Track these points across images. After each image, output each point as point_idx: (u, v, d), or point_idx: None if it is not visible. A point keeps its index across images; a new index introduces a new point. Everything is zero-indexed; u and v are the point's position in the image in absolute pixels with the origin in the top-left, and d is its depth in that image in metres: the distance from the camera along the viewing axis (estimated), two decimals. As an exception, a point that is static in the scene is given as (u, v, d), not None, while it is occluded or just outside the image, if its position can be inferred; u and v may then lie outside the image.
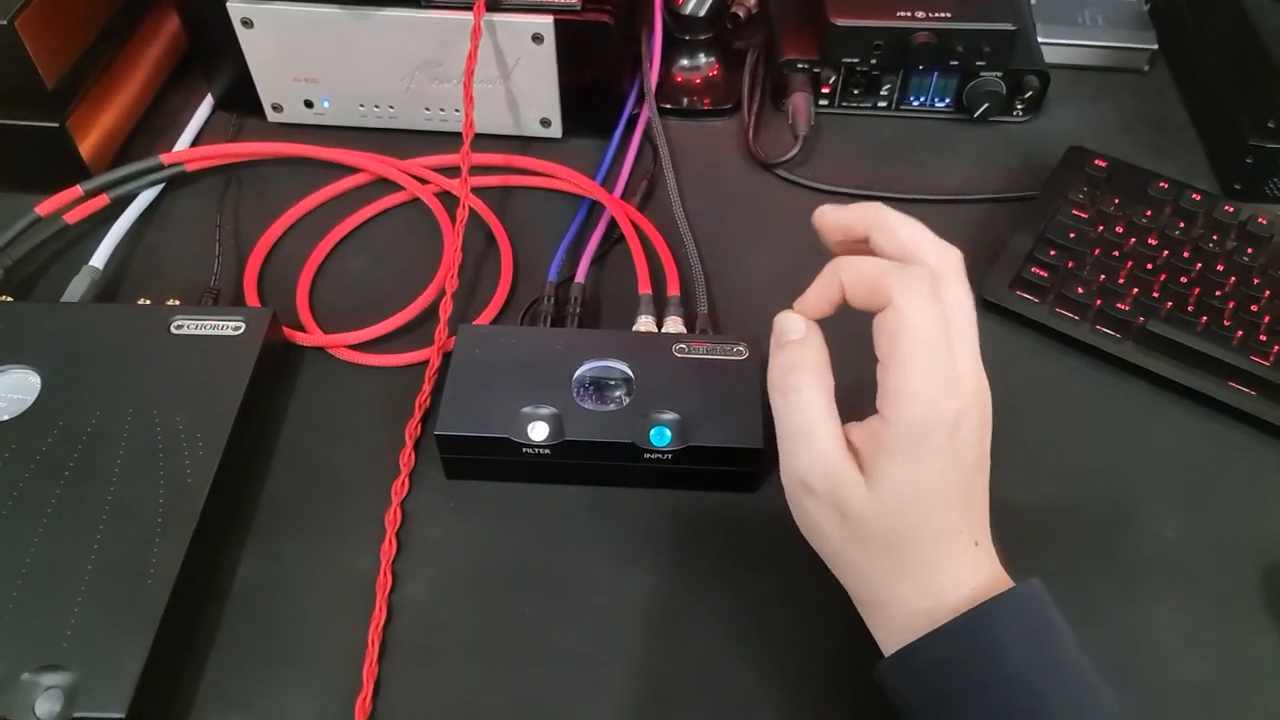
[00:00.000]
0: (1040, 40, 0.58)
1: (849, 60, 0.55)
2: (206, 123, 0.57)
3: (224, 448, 0.39)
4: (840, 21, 0.54)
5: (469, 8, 0.49)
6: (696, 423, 0.39)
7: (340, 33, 0.51)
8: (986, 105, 0.55)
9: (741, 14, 0.58)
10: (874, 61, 0.55)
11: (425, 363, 0.44)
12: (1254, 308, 0.45)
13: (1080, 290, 0.46)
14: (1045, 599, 0.29)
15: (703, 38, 0.58)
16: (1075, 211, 0.49)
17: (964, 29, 0.53)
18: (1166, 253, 0.47)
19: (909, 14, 0.53)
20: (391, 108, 0.55)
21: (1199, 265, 0.47)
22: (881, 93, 0.57)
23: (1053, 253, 0.47)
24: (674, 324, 0.46)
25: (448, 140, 0.54)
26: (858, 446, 0.30)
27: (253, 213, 0.52)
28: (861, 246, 0.32)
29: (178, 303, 0.45)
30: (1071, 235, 0.48)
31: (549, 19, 0.50)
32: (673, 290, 0.47)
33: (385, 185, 0.53)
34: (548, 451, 0.39)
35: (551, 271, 0.48)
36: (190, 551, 0.36)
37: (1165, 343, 0.44)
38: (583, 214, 0.52)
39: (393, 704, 0.36)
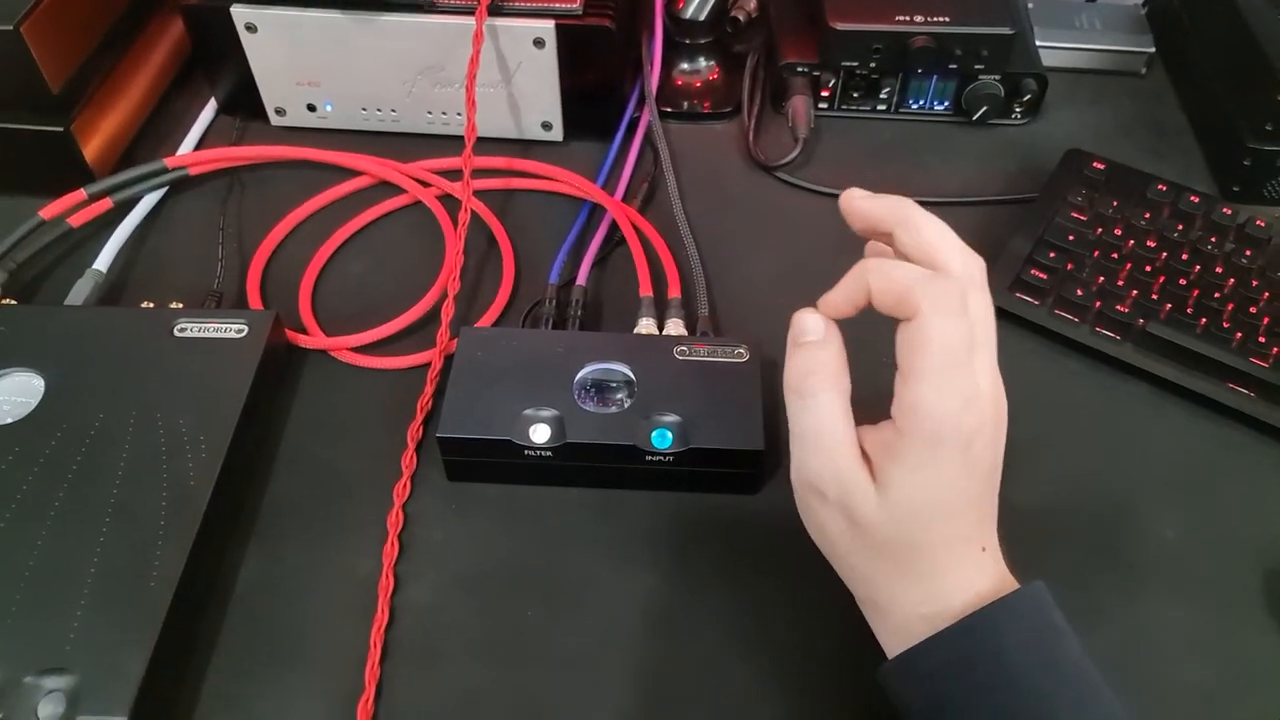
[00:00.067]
0: (1038, 44, 0.58)
1: (848, 64, 0.55)
2: (210, 126, 0.57)
3: (227, 450, 0.39)
4: (839, 25, 0.54)
5: (471, 12, 0.49)
6: (698, 425, 0.39)
7: (343, 37, 0.51)
8: (985, 108, 0.56)
9: (741, 18, 0.58)
10: (873, 65, 0.55)
11: (427, 365, 0.44)
12: (1253, 309, 0.45)
13: (1079, 292, 0.46)
14: (1048, 601, 0.29)
15: (703, 41, 0.58)
16: (1074, 214, 0.49)
17: (962, 33, 0.53)
18: (1165, 255, 0.47)
19: (908, 18, 0.53)
20: (394, 111, 0.55)
21: (1198, 267, 0.47)
22: (881, 96, 0.57)
23: (1052, 255, 0.48)
24: (675, 326, 0.46)
25: (450, 144, 0.54)
26: (870, 452, 0.30)
27: (255, 216, 0.52)
28: (884, 237, 0.31)
29: (181, 306, 0.45)
30: (1070, 238, 0.48)
31: (550, 23, 0.50)
32: (674, 293, 0.47)
33: (387, 188, 0.54)
34: (549, 454, 0.40)
35: (553, 274, 0.48)
36: (193, 554, 0.36)
37: (1165, 344, 0.44)
38: (584, 217, 0.52)
39: (395, 706, 0.36)
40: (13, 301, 0.46)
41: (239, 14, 0.51)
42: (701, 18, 0.57)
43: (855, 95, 0.57)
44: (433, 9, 0.50)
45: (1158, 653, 0.37)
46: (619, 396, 0.41)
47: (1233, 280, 0.46)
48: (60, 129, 0.50)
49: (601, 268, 0.50)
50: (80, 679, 0.33)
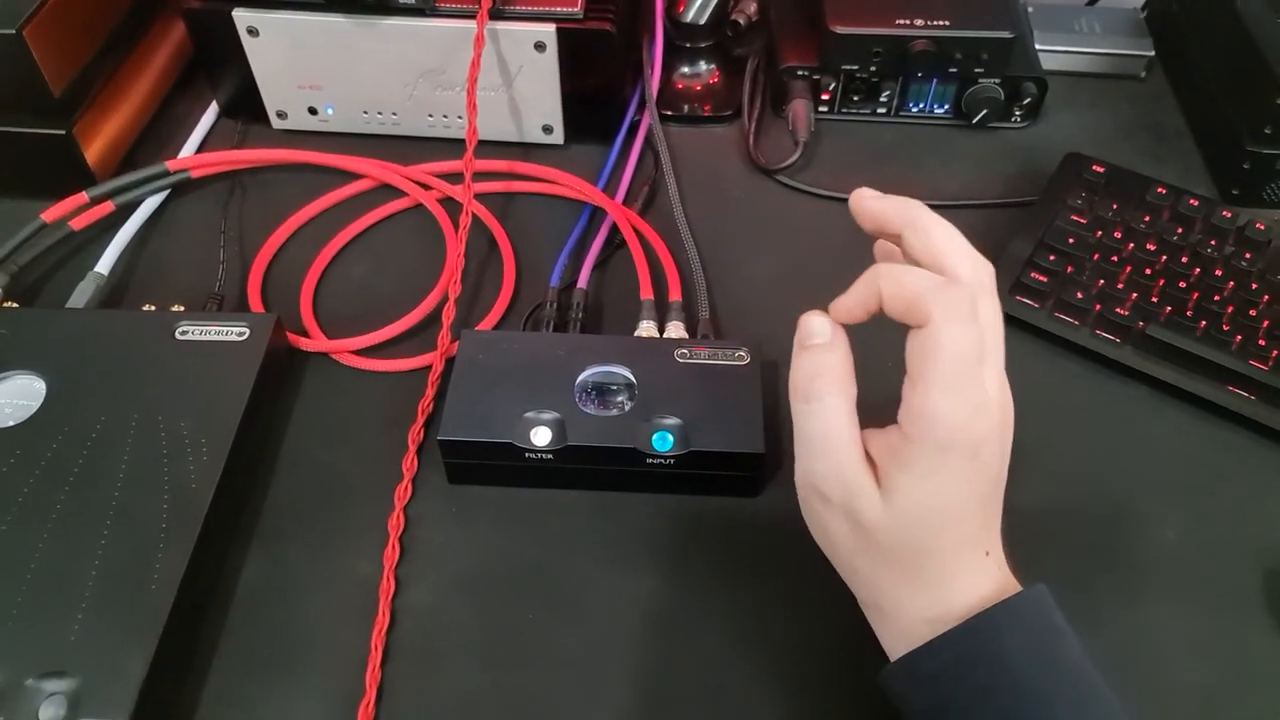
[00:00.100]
0: (1038, 47, 0.59)
1: (848, 67, 0.55)
2: (211, 129, 0.57)
3: (228, 453, 0.39)
4: (840, 29, 0.54)
5: (472, 16, 0.49)
6: (698, 428, 0.39)
7: (345, 41, 0.52)
8: (985, 112, 0.56)
9: (742, 21, 0.59)
10: (873, 68, 0.55)
11: (428, 368, 0.44)
12: (1252, 312, 0.45)
13: (1079, 295, 0.46)
14: (1050, 603, 0.30)
15: (703, 45, 0.58)
16: (1074, 217, 0.49)
17: (962, 36, 0.53)
18: (1165, 258, 0.47)
19: (908, 22, 0.54)
20: (395, 115, 0.55)
21: (1197, 270, 0.47)
22: (881, 99, 0.57)
23: (1052, 258, 0.48)
24: (676, 329, 0.46)
25: (451, 147, 0.55)
26: (875, 457, 0.30)
27: (257, 219, 0.52)
28: (893, 238, 0.31)
29: (182, 309, 0.45)
30: (1070, 240, 0.48)
31: (551, 27, 0.50)
32: (674, 295, 0.48)
33: (388, 191, 0.54)
34: (550, 456, 0.40)
35: (554, 277, 0.48)
36: (194, 557, 0.36)
37: (1164, 347, 0.44)
38: (584, 220, 0.52)
39: (396, 709, 0.36)
40: (14, 304, 0.46)
41: (241, 17, 0.51)
42: (702, 21, 0.57)
43: (855, 98, 0.57)
44: (434, 12, 0.50)
45: (1158, 654, 0.37)
46: (620, 399, 0.41)
47: (1232, 283, 0.46)
48: (62, 132, 0.50)
49: (602, 270, 0.50)
50: (81, 682, 0.33)
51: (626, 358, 0.42)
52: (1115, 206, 0.49)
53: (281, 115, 0.56)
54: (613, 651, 0.37)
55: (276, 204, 0.53)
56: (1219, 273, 0.47)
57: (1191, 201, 0.49)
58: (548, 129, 0.55)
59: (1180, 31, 0.59)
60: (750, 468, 0.40)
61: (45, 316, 0.45)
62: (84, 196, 0.50)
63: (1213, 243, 0.48)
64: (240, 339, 0.43)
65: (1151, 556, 0.40)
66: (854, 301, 0.30)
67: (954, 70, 0.55)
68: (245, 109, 0.56)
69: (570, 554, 0.40)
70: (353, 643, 0.37)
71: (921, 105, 0.57)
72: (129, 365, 0.42)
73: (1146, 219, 0.49)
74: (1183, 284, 0.46)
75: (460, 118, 0.54)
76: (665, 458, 0.39)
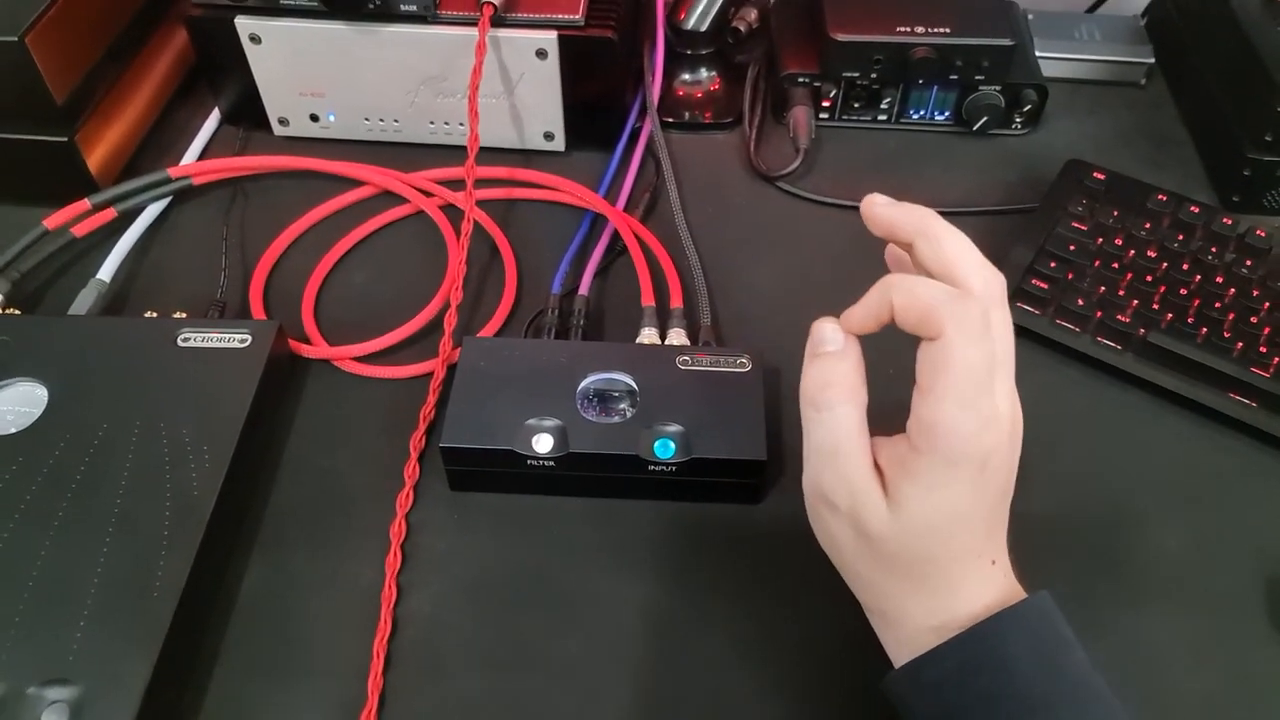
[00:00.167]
0: (1038, 54, 0.59)
1: (849, 74, 0.56)
2: (213, 136, 0.57)
3: (230, 460, 0.39)
4: (840, 36, 0.54)
5: (474, 23, 0.49)
6: (700, 435, 0.39)
7: (346, 48, 0.52)
8: (985, 119, 0.56)
9: (742, 28, 0.59)
10: (874, 75, 0.55)
11: (430, 375, 0.44)
12: (1254, 319, 0.45)
13: (1080, 302, 0.46)
14: (1054, 611, 0.30)
15: (704, 52, 0.58)
16: (1075, 224, 0.49)
17: (963, 44, 0.53)
18: (1166, 265, 0.47)
19: (908, 29, 0.54)
20: (396, 122, 0.55)
21: (1198, 277, 0.47)
22: (881, 106, 0.57)
23: (1053, 265, 0.48)
24: (677, 336, 0.46)
25: (452, 154, 0.55)
26: (883, 466, 0.30)
27: (258, 226, 0.52)
28: (903, 245, 0.31)
29: (184, 315, 0.45)
30: (1071, 247, 0.48)
31: (553, 34, 0.50)
32: (675, 302, 0.48)
33: (390, 198, 0.54)
34: (552, 464, 0.40)
35: (555, 284, 0.48)
36: (196, 564, 0.36)
37: (1166, 354, 0.44)
38: (586, 226, 0.52)
39: (397, 716, 0.36)
40: (16, 311, 0.46)
41: (243, 25, 0.51)
42: (703, 29, 0.57)
43: (856, 105, 0.57)
44: (435, 20, 0.50)
45: (1159, 661, 0.37)
46: (621, 406, 0.41)
47: (1233, 290, 0.46)
48: (64, 139, 0.50)
49: (603, 277, 0.50)
50: (83, 690, 0.33)
51: (628, 365, 0.42)
52: (1116, 213, 0.49)
53: (283, 122, 0.56)
54: (615, 659, 0.37)
55: (278, 211, 0.53)
56: (1220, 280, 0.47)
57: (1192, 208, 0.49)
58: (549, 136, 0.55)
59: (1180, 39, 0.60)
60: (752, 475, 0.40)
61: (47, 323, 0.45)
62: (86, 203, 0.50)
63: (1213, 250, 0.48)
64: (242, 346, 0.43)
65: (1152, 563, 0.40)
66: (865, 312, 0.30)
67: (955, 77, 0.55)
68: (247, 116, 0.56)
69: (572, 561, 0.40)
70: (354, 650, 0.37)
71: (922, 112, 0.57)
72: (131, 372, 0.42)
73: (1147, 226, 0.49)
74: (1184, 291, 0.46)
75: (462, 124, 0.55)
76: (667, 465, 0.39)
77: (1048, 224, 0.50)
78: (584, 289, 0.48)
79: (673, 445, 0.39)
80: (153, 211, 0.52)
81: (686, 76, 0.59)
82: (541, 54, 0.51)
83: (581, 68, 0.52)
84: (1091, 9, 0.65)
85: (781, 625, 0.38)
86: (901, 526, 0.29)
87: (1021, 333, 0.47)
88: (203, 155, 0.56)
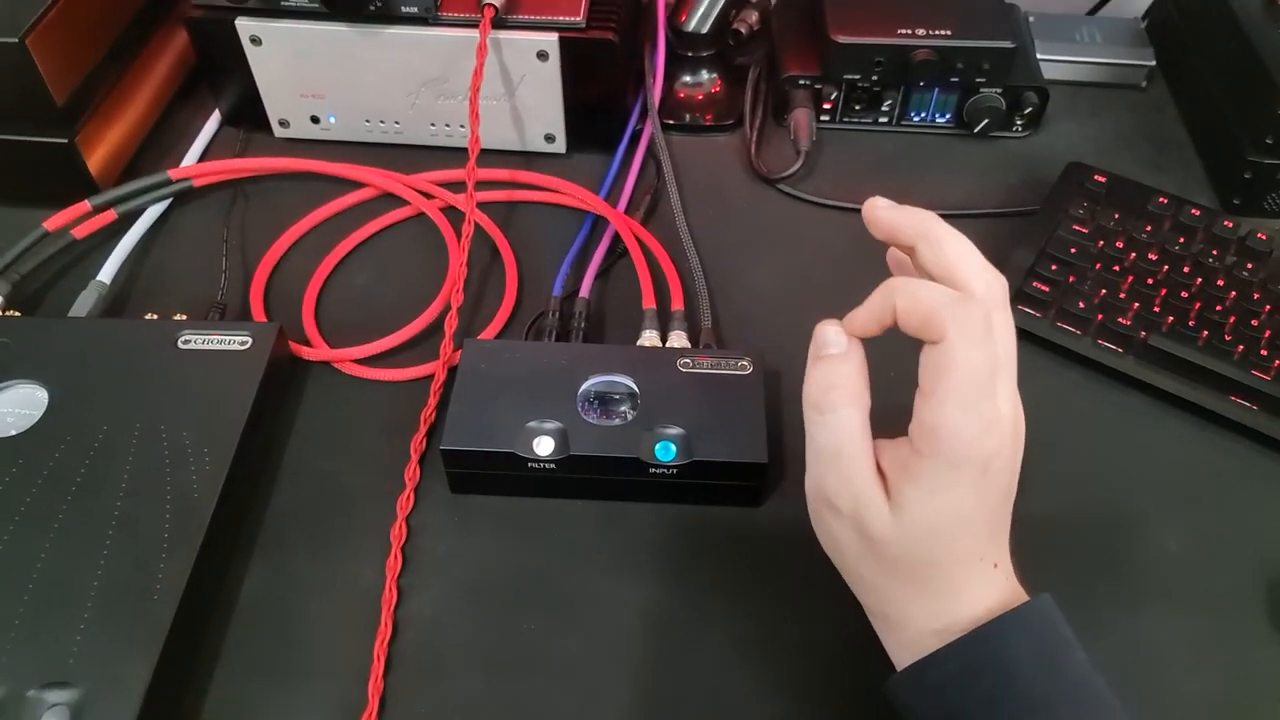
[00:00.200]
0: (1039, 57, 0.59)
1: (850, 76, 0.56)
2: (213, 138, 0.57)
3: (230, 462, 0.39)
4: (841, 39, 0.54)
5: (475, 25, 0.49)
6: (701, 437, 0.39)
7: (347, 50, 0.52)
8: (987, 121, 0.56)
9: (744, 31, 0.59)
10: (875, 78, 0.55)
11: (431, 377, 0.44)
12: (1254, 322, 0.45)
13: (1081, 305, 0.46)
14: (1056, 613, 0.30)
15: (705, 54, 0.59)
16: (1076, 227, 0.49)
17: (964, 46, 0.53)
18: (1167, 268, 0.47)
19: (909, 31, 0.54)
20: (397, 123, 0.55)
21: (1199, 280, 0.47)
22: (883, 108, 0.57)
23: (1054, 267, 0.48)
24: (678, 338, 0.46)
25: (453, 155, 0.55)
26: (885, 469, 0.30)
27: (259, 228, 0.52)
28: (905, 248, 0.31)
29: (184, 318, 0.45)
30: (1072, 250, 0.48)
31: (554, 36, 0.50)
32: (676, 305, 0.48)
33: (391, 200, 0.54)
34: (553, 466, 0.40)
35: (556, 286, 0.48)
36: (196, 566, 0.36)
37: (1167, 357, 0.44)
38: (587, 228, 0.52)
39: (398, 719, 0.36)
40: (16, 313, 0.46)
41: (243, 27, 0.51)
42: (704, 30, 0.57)
43: (857, 108, 0.57)
44: (436, 21, 0.50)
45: (1159, 663, 0.37)
46: (622, 409, 0.41)
47: (1234, 293, 0.46)
48: (65, 140, 0.50)
49: (604, 280, 0.50)
50: (84, 693, 0.33)
51: (629, 367, 0.42)
52: (1117, 216, 0.49)
53: (284, 124, 0.56)
54: (615, 661, 0.37)
55: (279, 213, 0.53)
56: (1221, 283, 0.47)
57: (1193, 211, 0.49)
58: (550, 138, 0.55)
59: (1181, 41, 0.60)
60: (753, 477, 0.40)
61: (47, 325, 0.45)
62: (86, 205, 0.50)
63: (1214, 253, 0.48)
64: (243, 348, 0.43)
65: (1153, 566, 0.40)
66: (868, 315, 0.30)
67: (956, 80, 0.55)
68: (247, 118, 0.56)
69: (572, 564, 0.40)
70: (355, 652, 0.37)
71: (923, 114, 0.57)
72: (131, 374, 0.42)
73: (1148, 229, 0.49)
74: (1184, 294, 0.46)
75: (463, 126, 0.55)
76: (668, 467, 0.39)
77: (1049, 227, 0.50)
78: (585, 291, 0.48)
79: (673, 448, 0.39)
80: (153, 213, 0.52)
81: (687, 78, 0.59)
82: (542, 56, 0.51)
83: (582, 69, 0.52)
84: (1092, 11, 0.65)
85: (782, 627, 0.38)
86: (904, 530, 0.29)
87: (1023, 335, 0.47)
88: (203, 157, 0.56)
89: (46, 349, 0.43)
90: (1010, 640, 0.29)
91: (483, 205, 0.53)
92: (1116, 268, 0.48)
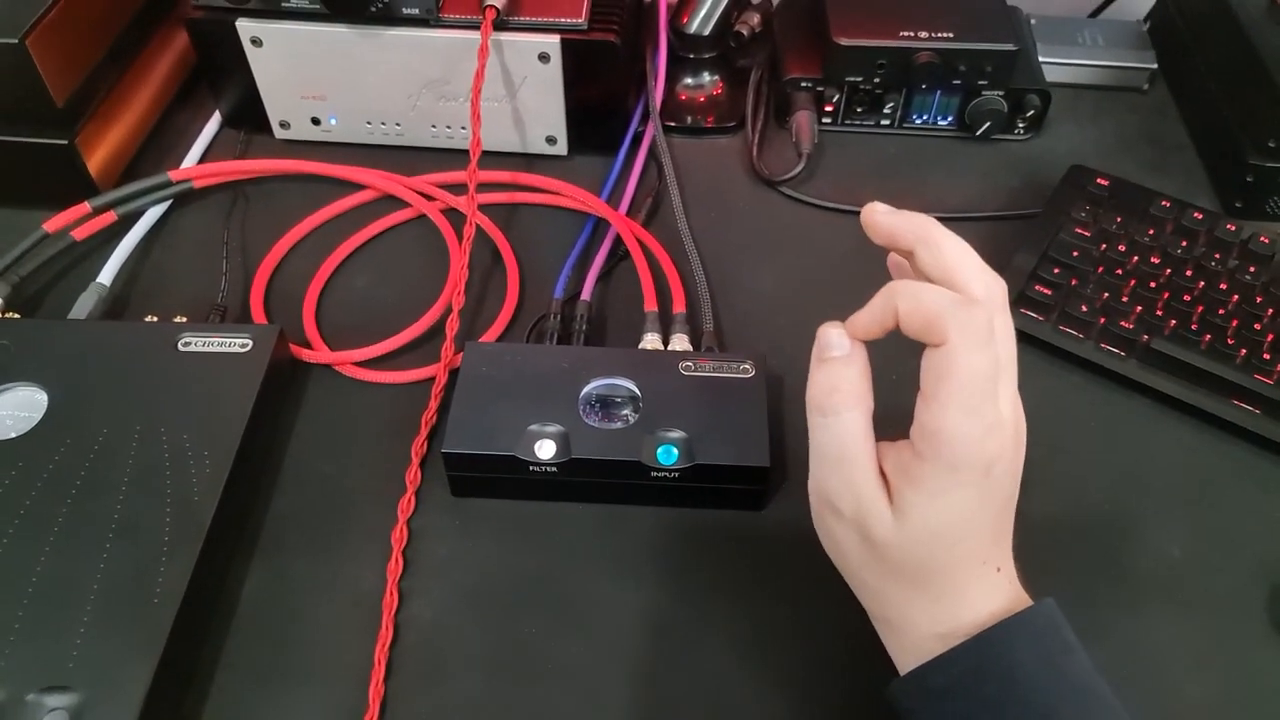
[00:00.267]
0: (1041, 60, 0.59)
1: (852, 79, 0.56)
2: (214, 140, 0.57)
3: (231, 465, 0.39)
4: (843, 41, 0.54)
5: (476, 27, 0.49)
6: (703, 441, 0.39)
7: (348, 51, 0.52)
8: (988, 124, 0.56)
9: (745, 33, 0.59)
10: (877, 80, 0.55)
11: (432, 380, 0.44)
12: (1257, 326, 0.45)
13: (1084, 308, 0.46)
14: (1059, 617, 0.30)
15: (707, 56, 0.58)
16: (1078, 230, 0.49)
17: (966, 49, 0.53)
18: (1169, 271, 0.47)
19: (911, 34, 0.54)
20: (398, 125, 0.55)
21: (1201, 283, 0.47)
22: (884, 111, 0.57)
23: (1056, 271, 0.48)
24: (680, 341, 0.46)
25: (454, 157, 0.55)
26: (888, 473, 0.30)
27: (260, 229, 0.52)
28: (905, 253, 0.31)
29: (185, 320, 0.45)
30: (1074, 253, 0.48)
31: (555, 38, 0.50)
32: (678, 307, 0.48)
33: (392, 202, 0.54)
34: (554, 470, 0.39)
35: (557, 289, 0.48)
36: (196, 570, 0.36)
37: (1169, 361, 0.44)
38: (588, 231, 0.52)
39: (399, 723, 0.36)
40: (16, 315, 0.46)
41: (244, 28, 0.51)
42: (706, 32, 0.57)
43: (859, 110, 0.57)
44: (438, 23, 0.50)
45: (1161, 667, 0.37)
46: (624, 412, 0.41)
47: (1236, 297, 0.46)
48: (64, 142, 0.50)
49: (606, 282, 0.50)
50: (83, 697, 0.33)
51: (630, 370, 0.42)
52: (1119, 219, 0.49)
53: (284, 125, 0.56)
54: (617, 665, 0.37)
55: (279, 214, 0.53)
56: (1223, 286, 0.47)
57: (1195, 215, 0.49)
58: (551, 140, 0.55)
59: (1183, 44, 0.60)
60: (755, 481, 0.40)
61: (47, 327, 0.45)
62: (86, 207, 0.50)
63: (1216, 256, 0.48)
64: (243, 350, 0.43)
65: (1155, 570, 0.40)
66: (870, 318, 0.30)
67: (958, 82, 0.55)
68: (248, 119, 0.56)
69: (574, 567, 0.40)
70: (356, 656, 0.37)
71: (925, 117, 0.57)
72: (131, 377, 0.42)
73: (1150, 232, 0.49)
74: (1187, 297, 0.46)
75: (464, 128, 0.54)
76: (669, 471, 0.39)
77: (1051, 230, 0.50)
78: (586, 294, 0.48)
79: (675, 451, 0.39)
80: (153, 215, 0.52)
81: (689, 80, 0.59)
82: (544, 57, 0.51)
83: (584, 71, 0.52)
84: (1094, 14, 0.65)
85: (784, 631, 0.38)
86: (906, 533, 0.29)
87: (1024, 339, 0.47)
88: (203, 158, 0.56)
89: (46, 351, 0.42)
90: (1014, 645, 0.29)
91: (484, 207, 0.53)
92: (1119, 271, 0.48)
